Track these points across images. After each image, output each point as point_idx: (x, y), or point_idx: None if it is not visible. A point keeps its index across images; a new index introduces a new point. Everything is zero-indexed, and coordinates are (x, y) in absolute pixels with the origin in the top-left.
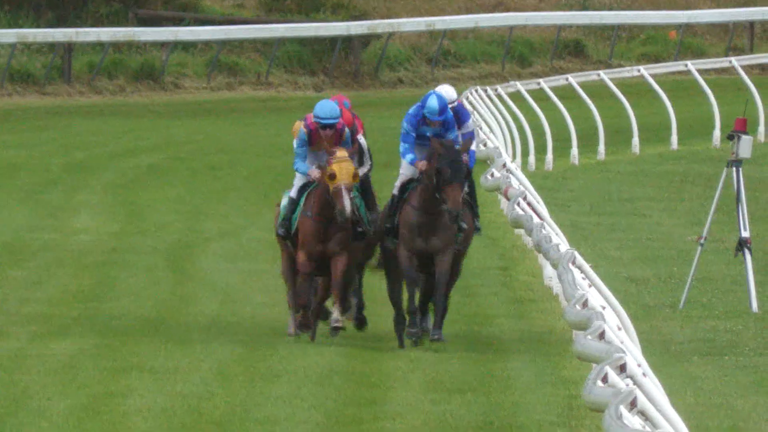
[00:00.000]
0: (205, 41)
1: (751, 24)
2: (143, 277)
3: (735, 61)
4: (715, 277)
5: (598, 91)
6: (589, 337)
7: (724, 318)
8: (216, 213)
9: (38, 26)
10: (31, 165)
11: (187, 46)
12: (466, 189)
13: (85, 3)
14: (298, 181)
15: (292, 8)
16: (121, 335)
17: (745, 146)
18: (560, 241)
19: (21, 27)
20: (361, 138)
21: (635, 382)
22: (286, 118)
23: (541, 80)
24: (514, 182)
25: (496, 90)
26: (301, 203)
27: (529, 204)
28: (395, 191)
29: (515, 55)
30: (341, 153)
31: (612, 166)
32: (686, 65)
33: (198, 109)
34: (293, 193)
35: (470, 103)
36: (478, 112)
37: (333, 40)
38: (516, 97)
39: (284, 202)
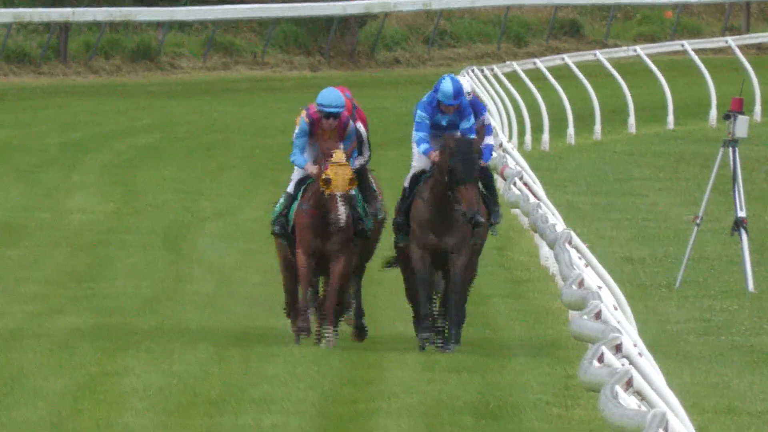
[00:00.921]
0: (201, 21)
1: (748, 4)
2: (139, 257)
3: (731, 41)
4: (711, 256)
5: (594, 70)
6: (586, 317)
7: (720, 297)
8: (212, 192)
9: (34, 6)
10: (27, 145)
11: (183, 26)
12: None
13: None
14: (296, 175)
15: None
16: (118, 315)
17: (741, 126)
18: (556, 221)
19: (17, 7)
20: (360, 126)
21: (631, 362)
22: (282, 98)
23: (537, 60)
24: (511, 162)
25: (492, 70)
26: (299, 198)
27: (525, 184)
28: (406, 184)
29: (511, 35)
30: (338, 156)
31: (608, 146)
32: (682, 45)
33: (194, 89)
34: (290, 188)
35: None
36: (477, 94)
37: (329, 20)
38: (512, 77)
39: (281, 200)
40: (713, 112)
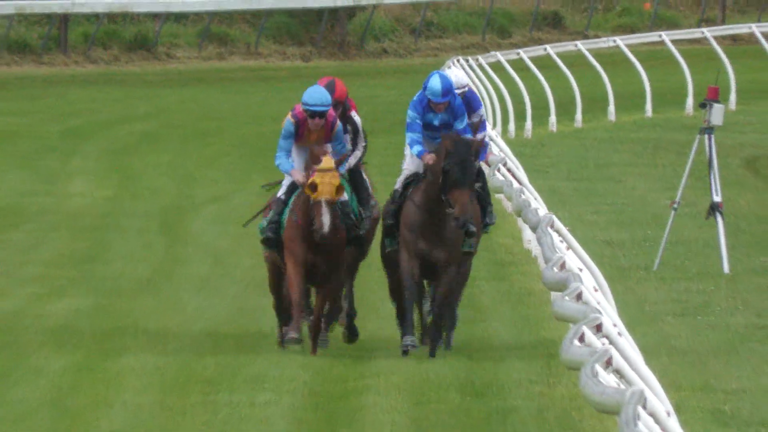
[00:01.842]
0: (197, 12)
1: None
2: (136, 240)
3: (707, 32)
4: (687, 239)
5: (575, 61)
6: (567, 298)
7: (696, 279)
8: (206, 178)
9: None
10: (28, 132)
11: (179, 17)
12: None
13: None
14: (287, 180)
15: None
16: (116, 296)
17: (717, 114)
18: (539, 206)
19: None
20: (355, 116)
21: (611, 342)
22: (275, 87)
23: (520, 50)
24: (495, 149)
25: (477, 60)
26: (290, 204)
27: (509, 170)
28: (398, 186)
29: (495, 26)
30: (327, 163)
31: (588, 134)
32: (660, 36)
33: (189, 78)
34: (281, 193)
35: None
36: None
37: (320, 12)
38: (496, 66)
39: (272, 212)
40: (690, 101)
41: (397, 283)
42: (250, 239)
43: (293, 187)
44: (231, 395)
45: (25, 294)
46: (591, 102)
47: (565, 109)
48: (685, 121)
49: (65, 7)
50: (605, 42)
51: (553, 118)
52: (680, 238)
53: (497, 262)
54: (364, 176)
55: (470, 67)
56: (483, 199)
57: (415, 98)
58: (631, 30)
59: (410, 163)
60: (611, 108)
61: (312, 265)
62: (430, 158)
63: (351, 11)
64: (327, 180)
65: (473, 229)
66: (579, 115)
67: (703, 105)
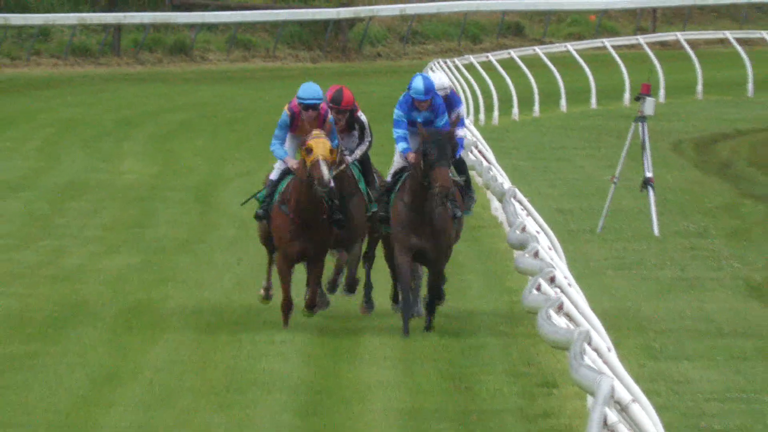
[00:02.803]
0: (226, 23)
1: (654, 9)
2: (176, 209)
3: (641, 39)
4: (625, 208)
5: (533, 62)
6: (527, 255)
7: (632, 240)
8: (233, 158)
9: (94, 11)
10: (89, 120)
11: (211, 27)
12: (455, 176)
13: None
14: (279, 164)
15: None
16: (160, 254)
17: (649, 106)
18: (504, 181)
19: (81, 12)
20: (362, 115)
21: (562, 291)
22: (289, 84)
23: (489, 54)
24: (468, 134)
25: (454, 62)
26: (281, 189)
27: (479, 151)
28: (389, 178)
29: (469, 34)
30: (317, 132)
31: (544, 122)
32: (603, 42)
33: (219, 77)
34: (273, 175)
35: (435, 73)
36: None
37: (326, 23)
38: (469, 67)
39: (264, 190)
40: (627, 95)
41: (392, 259)
42: None
43: (285, 171)
44: (254, 335)
45: (86, 252)
46: (546, 96)
47: (526, 102)
48: (623, 111)
49: (119, 18)
50: (558, 47)
51: (515, 109)
52: (619, 207)
53: (470, 227)
54: (371, 164)
55: (448, 67)
56: (463, 189)
57: (401, 98)
58: (580, 37)
59: (399, 156)
60: (563, 101)
61: (302, 249)
62: (412, 157)
63: (351, 22)
64: (321, 143)
65: (458, 213)
66: (537, 107)
67: (637, 98)
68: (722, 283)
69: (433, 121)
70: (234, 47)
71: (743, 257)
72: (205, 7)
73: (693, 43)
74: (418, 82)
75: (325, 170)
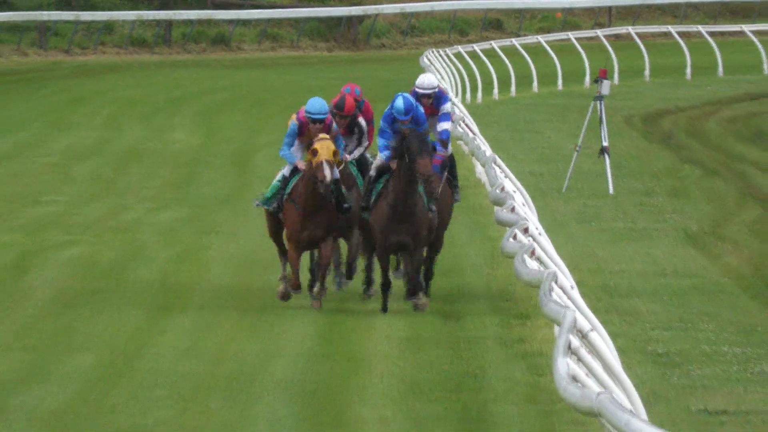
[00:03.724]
0: (257, 19)
1: (610, 8)
2: (218, 172)
3: (599, 32)
4: (585, 171)
5: (511, 52)
6: (504, 210)
7: (591, 198)
8: (264, 130)
9: (150, 9)
10: (145, 99)
11: (245, 22)
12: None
13: None
14: (287, 167)
15: None
16: (204, 209)
17: (605, 87)
18: (486, 149)
19: (139, 10)
20: (361, 121)
21: (534, 240)
22: (310, 70)
23: (474, 45)
24: (457, 111)
25: (445, 51)
26: (292, 183)
27: (466, 125)
28: (372, 172)
29: (457, 28)
30: (323, 135)
31: (520, 101)
32: (567, 35)
33: (253, 64)
34: (286, 170)
35: (429, 60)
36: (434, 66)
37: (339, 19)
38: (458, 56)
39: (278, 177)
40: (587, 79)
41: (369, 242)
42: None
43: (295, 169)
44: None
45: (143, 207)
46: (521, 79)
47: (504, 84)
48: (584, 92)
49: (169, 15)
50: (531, 39)
51: (496, 90)
52: (580, 170)
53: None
54: (368, 164)
55: (440, 56)
56: (452, 182)
57: (386, 111)
58: (548, 30)
59: (380, 158)
60: (535, 83)
61: (310, 237)
62: (393, 163)
63: (360, 18)
64: (325, 145)
65: (434, 209)
66: (513, 88)
67: (596, 81)
68: (665, 233)
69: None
70: (264, 39)
71: (682, 211)
72: (240, 6)
73: (641, 36)
74: (399, 103)
75: (327, 172)
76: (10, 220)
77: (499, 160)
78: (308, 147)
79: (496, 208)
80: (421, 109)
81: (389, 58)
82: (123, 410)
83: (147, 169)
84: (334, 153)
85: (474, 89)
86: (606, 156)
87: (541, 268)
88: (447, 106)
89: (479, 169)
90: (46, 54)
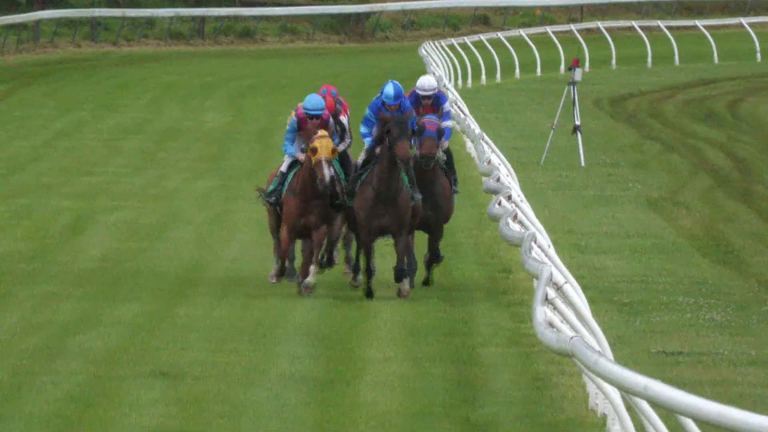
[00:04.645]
0: (279, 15)
1: (582, 6)
2: (244, 147)
3: (573, 27)
4: (561, 147)
5: (497, 43)
6: (491, 180)
7: (565, 169)
8: (284, 112)
9: (186, 6)
10: (181, 84)
11: (268, 18)
12: (443, 156)
13: None
14: (288, 159)
15: None
16: (233, 179)
17: (578, 74)
18: (475, 127)
19: (176, 7)
20: (343, 118)
21: (516, 206)
22: (324, 60)
23: (465, 37)
24: (450, 94)
25: (440, 43)
26: (290, 179)
27: (458, 107)
28: (358, 161)
29: (450, 23)
30: (322, 132)
31: (504, 86)
32: (545, 29)
33: (275, 55)
34: (284, 167)
35: (426, 51)
36: (431, 56)
37: (349, 15)
38: (451, 47)
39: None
40: (562, 67)
41: (354, 230)
42: None
43: (293, 164)
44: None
45: (180, 177)
46: (506, 67)
47: (491, 72)
48: (559, 78)
49: (203, 12)
50: (514, 32)
51: (483, 76)
52: (556, 146)
53: None
54: (351, 158)
55: (436, 47)
56: (450, 175)
57: (373, 100)
58: (529, 25)
59: (363, 153)
60: (517, 71)
61: (303, 228)
62: (378, 149)
63: (367, 15)
64: (324, 143)
65: (418, 196)
66: (498, 75)
67: (570, 69)
68: (629, 200)
69: None
70: (284, 33)
71: (644, 181)
72: (264, 4)
73: (609, 30)
74: (389, 89)
75: (326, 171)
76: (67, 187)
77: (486, 137)
78: (308, 138)
79: (483, 178)
80: (407, 101)
81: (392, 49)
82: (164, 350)
83: (183, 144)
84: (333, 151)
85: (465, 76)
86: (578, 133)
87: (522, 230)
88: (447, 106)
89: (469, 144)
90: (97, 46)
